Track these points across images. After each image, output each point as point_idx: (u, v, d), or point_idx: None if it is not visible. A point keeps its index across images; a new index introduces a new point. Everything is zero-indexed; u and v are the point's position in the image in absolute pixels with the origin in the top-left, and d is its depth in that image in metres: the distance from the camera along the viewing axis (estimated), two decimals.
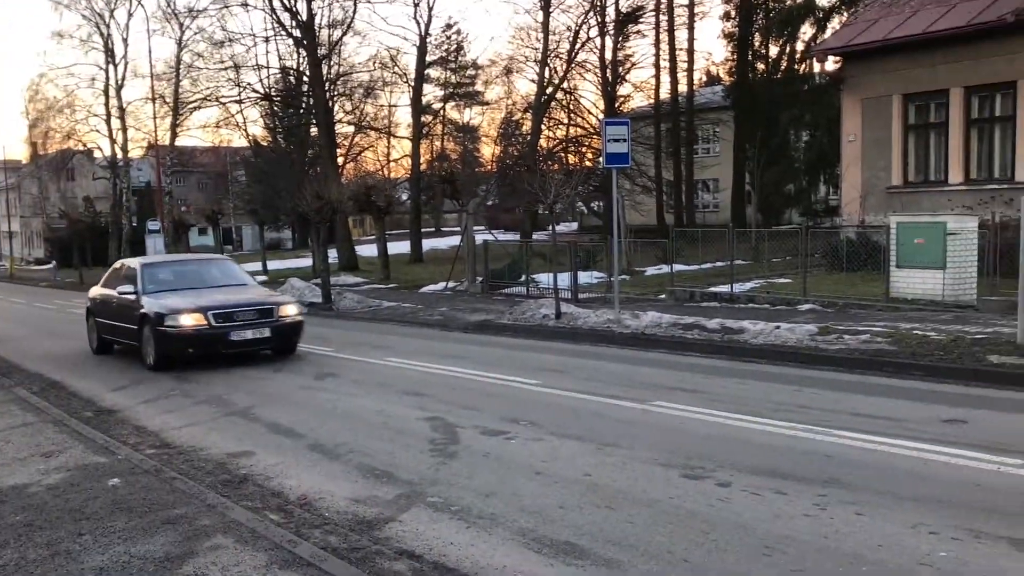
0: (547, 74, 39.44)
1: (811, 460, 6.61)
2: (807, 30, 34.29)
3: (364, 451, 7.49)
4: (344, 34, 39.61)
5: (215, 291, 13.26)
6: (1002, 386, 8.96)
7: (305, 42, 37.84)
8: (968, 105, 19.35)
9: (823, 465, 6.46)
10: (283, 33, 39.36)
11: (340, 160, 41.23)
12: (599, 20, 39.32)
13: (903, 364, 10.01)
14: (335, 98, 40.54)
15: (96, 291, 15.05)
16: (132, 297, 12.93)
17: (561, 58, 39.71)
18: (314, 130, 40.42)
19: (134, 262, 14.40)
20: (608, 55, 39.98)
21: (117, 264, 15.29)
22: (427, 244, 40.33)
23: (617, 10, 39.14)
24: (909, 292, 14.49)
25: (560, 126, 42.74)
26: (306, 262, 37.70)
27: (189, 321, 12.12)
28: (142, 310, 12.55)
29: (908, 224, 15.04)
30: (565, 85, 40.50)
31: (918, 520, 5.25)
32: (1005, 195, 16.57)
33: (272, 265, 39.02)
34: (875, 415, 7.94)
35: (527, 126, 42.15)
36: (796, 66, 35.46)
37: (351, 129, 44.39)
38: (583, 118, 41.82)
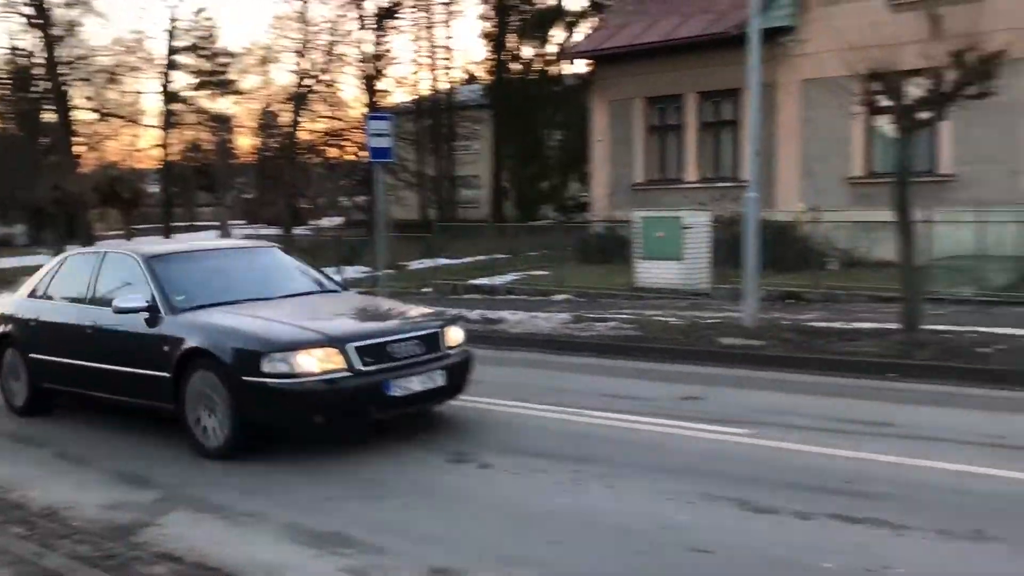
0: (307, 65, 38.70)
1: (567, 439, 7.03)
2: (558, 33, 35.94)
3: (118, 457, 7.09)
4: (82, 14, 36.93)
5: (304, 304, 7.71)
6: (732, 365, 9.89)
7: (40, 21, 34.88)
8: (701, 109, 21.07)
9: (578, 443, 6.89)
10: (12, 11, 36.06)
11: (82, 149, 38.37)
12: (358, 13, 39.09)
13: (647, 348, 10.80)
14: (73, 82, 37.66)
15: (20, 305, 8.65)
16: (143, 318, 7.13)
17: (320, 50, 39.12)
18: (51, 116, 37.35)
19: (123, 254, 7.94)
20: (368, 49, 39.86)
21: (77, 258, 8.65)
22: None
23: (377, 5, 39.11)
24: (652, 282, 15.57)
25: (321, 119, 42.11)
26: (43, 260, 34.62)
27: (313, 364, 6.47)
28: (186, 344, 6.81)
29: (650, 219, 16.18)
30: (325, 77, 39.92)
31: (661, 488, 5.75)
32: (733, 192, 18.16)
33: (1, 263, 35.56)
34: (623, 395, 8.54)
35: (286, 117, 41.14)
36: (549, 68, 37.00)
37: (93, 116, 41.40)
38: (344, 111, 41.43)
